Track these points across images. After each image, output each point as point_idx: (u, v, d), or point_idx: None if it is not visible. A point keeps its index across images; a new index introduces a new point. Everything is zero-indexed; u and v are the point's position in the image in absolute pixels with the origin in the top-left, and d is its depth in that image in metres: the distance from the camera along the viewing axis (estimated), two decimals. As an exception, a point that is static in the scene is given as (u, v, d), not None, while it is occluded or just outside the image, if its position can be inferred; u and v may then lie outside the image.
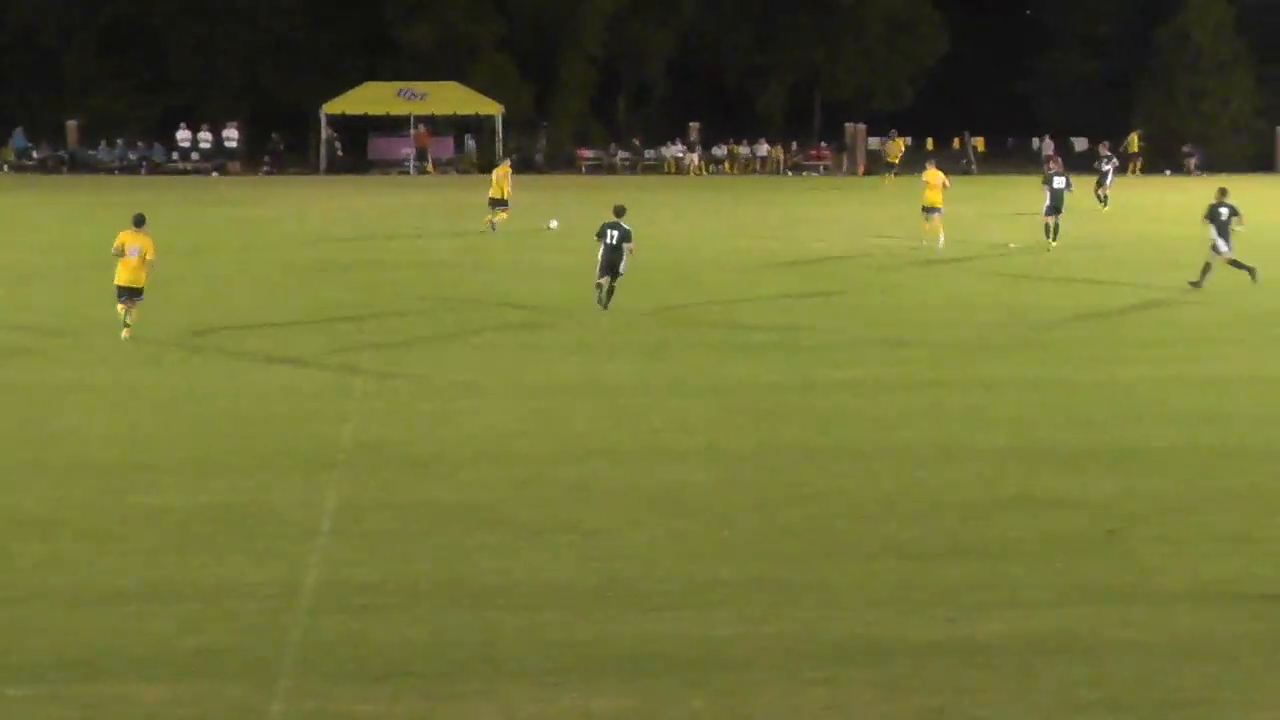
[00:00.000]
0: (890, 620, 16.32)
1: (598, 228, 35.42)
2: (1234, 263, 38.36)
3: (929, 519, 19.84)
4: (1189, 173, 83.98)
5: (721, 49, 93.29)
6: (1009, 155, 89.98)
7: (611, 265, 34.94)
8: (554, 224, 51.90)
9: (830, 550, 18.63)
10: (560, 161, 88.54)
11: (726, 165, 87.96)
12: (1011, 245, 46.77)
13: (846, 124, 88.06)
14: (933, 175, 48.46)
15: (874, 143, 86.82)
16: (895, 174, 76.87)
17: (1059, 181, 47.53)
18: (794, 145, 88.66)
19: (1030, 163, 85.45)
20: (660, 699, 14.44)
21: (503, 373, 28.89)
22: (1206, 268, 37.97)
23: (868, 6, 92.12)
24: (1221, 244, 38.35)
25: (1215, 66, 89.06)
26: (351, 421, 24.84)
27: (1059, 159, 54.53)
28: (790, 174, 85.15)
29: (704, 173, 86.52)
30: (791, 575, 17.74)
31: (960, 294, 38.02)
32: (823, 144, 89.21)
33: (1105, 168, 62.49)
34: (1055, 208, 47.26)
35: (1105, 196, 60.45)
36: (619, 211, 35.26)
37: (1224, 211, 38.40)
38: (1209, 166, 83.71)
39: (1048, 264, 43.52)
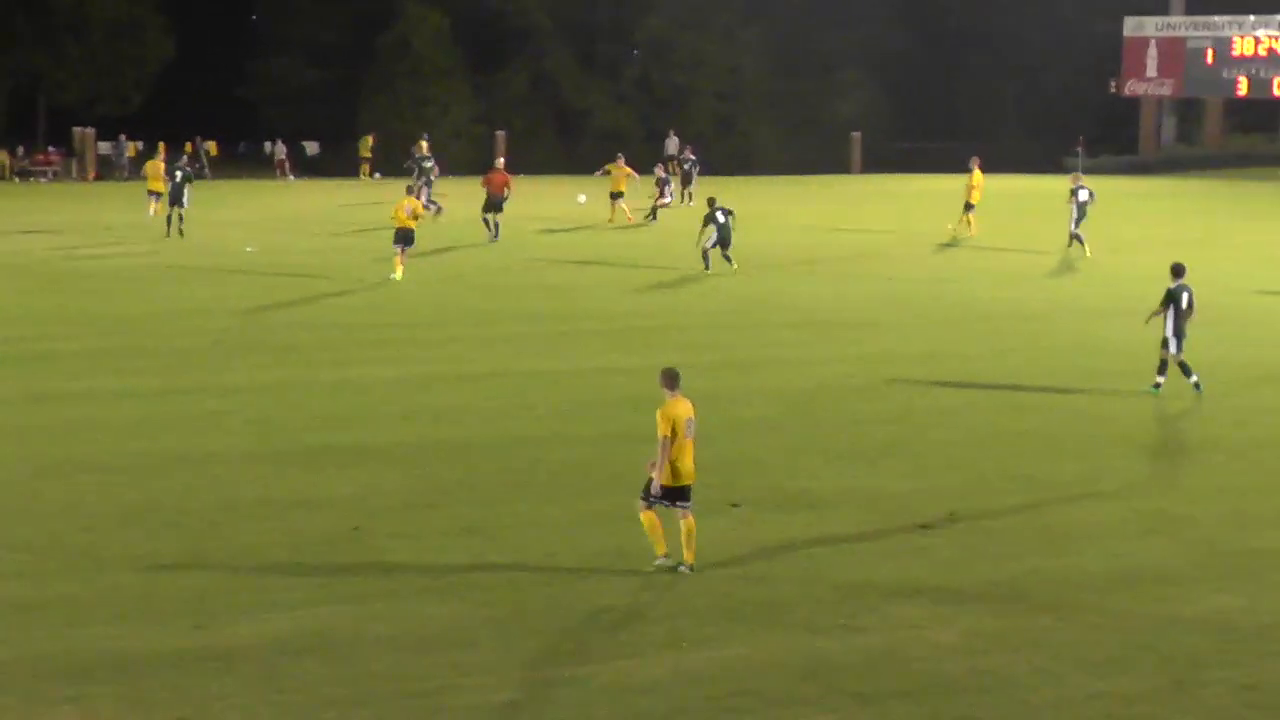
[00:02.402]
0: (136, 632, 15.97)
1: None
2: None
3: (172, 527, 19.53)
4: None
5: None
6: (242, 159, 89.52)
7: None
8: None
9: (70, 566, 18.04)
10: None
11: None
12: (249, 249, 46.53)
13: (75, 128, 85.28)
14: (153, 166, 54.13)
15: (104, 147, 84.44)
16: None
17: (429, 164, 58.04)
18: (20, 150, 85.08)
19: (263, 167, 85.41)
20: (-109, 736, 13.63)
21: None
22: None
23: (88, 9, 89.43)
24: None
25: (435, 74, 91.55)
26: None
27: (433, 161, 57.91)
28: (18, 180, 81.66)
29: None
30: (30, 593, 17.08)
31: (195, 299, 37.46)
32: (51, 149, 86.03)
33: (428, 164, 65.57)
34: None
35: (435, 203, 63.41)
36: None
37: None
38: (442, 170, 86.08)
39: (287, 265, 43.38)
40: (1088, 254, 46.45)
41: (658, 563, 18.16)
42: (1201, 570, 18.76)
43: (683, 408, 18.19)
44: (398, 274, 40.46)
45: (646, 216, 56.11)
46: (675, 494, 18.04)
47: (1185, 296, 28.12)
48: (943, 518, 20.40)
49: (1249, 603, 17.61)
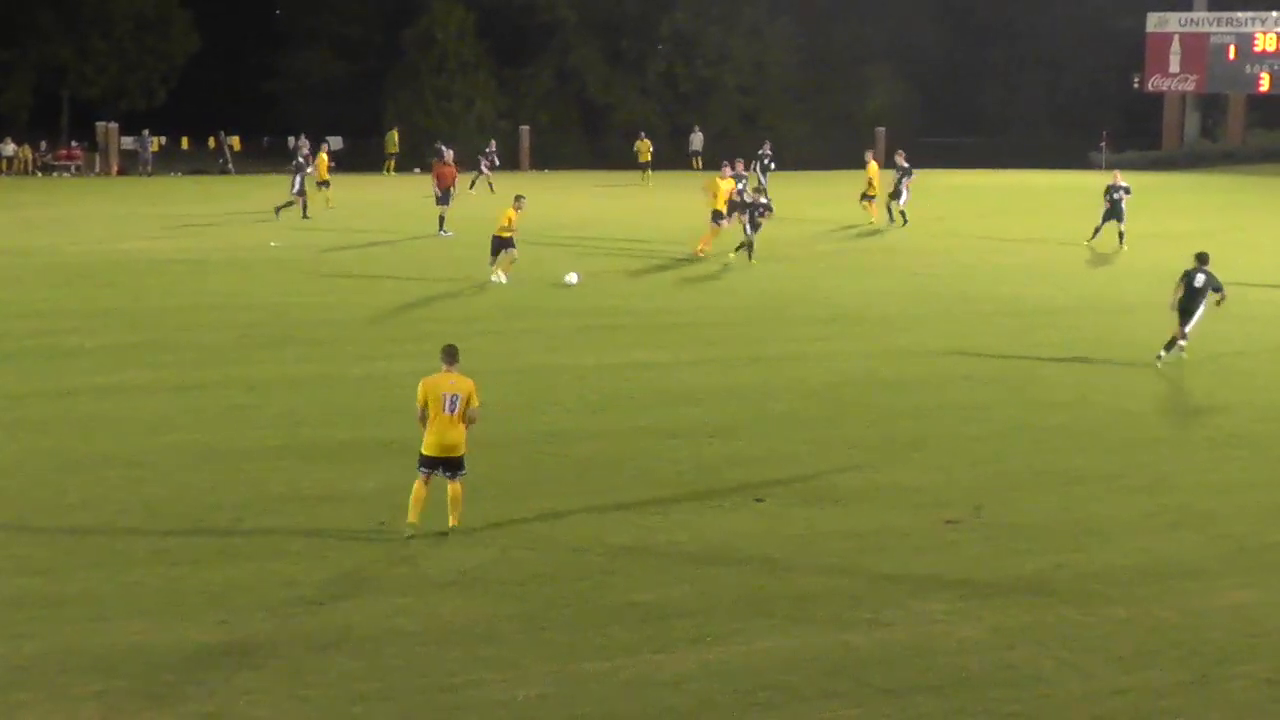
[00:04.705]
0: (161, 627, 16.01)
1: None
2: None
3: (198, 522, 19.57)
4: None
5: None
6: (266, 154, 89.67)
7: None
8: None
9: (95, 560, 18.10)
10: None
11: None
12: (273, 244, 46.63)
13: (98, 123, 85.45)
14: (321, 159, 58.79)
15: (128, 142, 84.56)
16: (650, 171, 75.59)
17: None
18: (43, 145, 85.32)
19: (286, 161, 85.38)
20: (-82, 729, 13.69)
21: None
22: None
23: (113, 3, 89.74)
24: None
25: (460, 68, 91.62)
26: None
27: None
28: (41, 174, 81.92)
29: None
30: (55, 588, 17.13)
31: (221, 293, 37.51)
32: (74, 144, 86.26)
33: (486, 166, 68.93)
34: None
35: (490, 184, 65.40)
36: None
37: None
38: (458, 164, 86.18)
39: (317, 260, 43.45)
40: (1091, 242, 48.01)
41: (405, 533, 18.92)
42: (1227, 565, 18.72)
43: (444, 382, 19.01)
44: (502, 277, 39.07)
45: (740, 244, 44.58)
46: (434, 463, 18.85)
47: (1200, 278, 30.27)
48: (969, 512, 20.38)
49: (1274, 597, 17.59)
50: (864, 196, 53.70)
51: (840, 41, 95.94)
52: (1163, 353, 30.26)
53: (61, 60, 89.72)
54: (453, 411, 18.79)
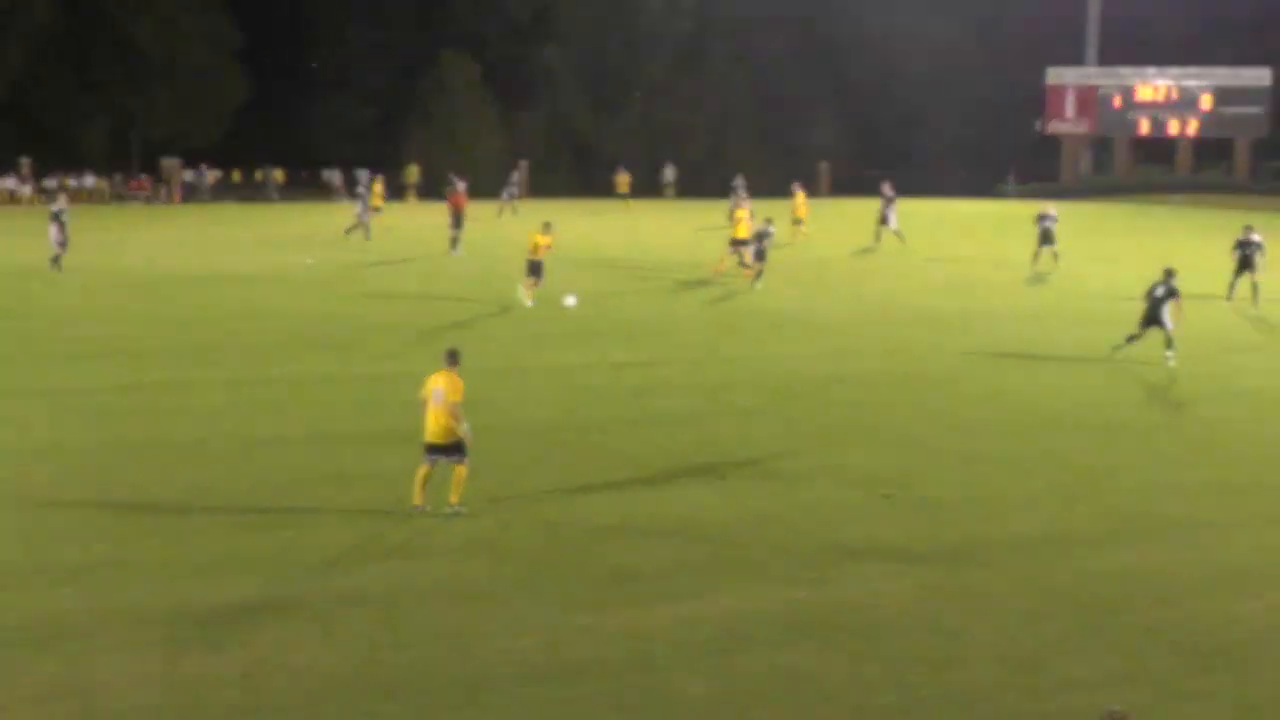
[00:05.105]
0: (217, 586, 16.02)
1: None
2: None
3: (244, 498, 19.52)
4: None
5: (45, 93, 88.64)
6: (304, 186, 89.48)
7: None
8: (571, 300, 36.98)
9: (158, 530, 18.06)
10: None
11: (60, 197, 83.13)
12: (309, 262, 46.48)
13: (163, 159, 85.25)
14: (377, 186, 59.36)
15: (188, 175, 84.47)
16: (630, 200, 75.05)
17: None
18: (117, 178, 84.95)
19: (322, 192, 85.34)
20: (10, 668, 13.65)
21: None
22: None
23: (176, 58, 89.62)
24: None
25: (467, 112, 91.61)
26: None
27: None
28: (116, 203, 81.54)
29: (37, 204, 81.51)
30: (125, 554, 17.12)
31: (264, 304, 37.34)
32: (143, 176, 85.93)
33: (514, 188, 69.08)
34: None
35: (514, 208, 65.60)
36: None
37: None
38: (473, 193, 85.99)
39: (347, 276, 43.28)
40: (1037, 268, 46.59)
41: (411, 508, 18.79)
42: (1113, 533, 18.80)
43: (439, 380, 18.83)
44: (528, 300, 37.18)
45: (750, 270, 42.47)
46: (435, 450, 18.70)
47: (1161, 289, 30.26)
48: (898, 489, 20.41)
49: (1152, 560, 17.69)
50: (794, 221, 53.82)
51: (789, 88, 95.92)
52: (1123, 344, 30.53)
53: (132, 106, 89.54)
54: (438, 403, 18.68)
